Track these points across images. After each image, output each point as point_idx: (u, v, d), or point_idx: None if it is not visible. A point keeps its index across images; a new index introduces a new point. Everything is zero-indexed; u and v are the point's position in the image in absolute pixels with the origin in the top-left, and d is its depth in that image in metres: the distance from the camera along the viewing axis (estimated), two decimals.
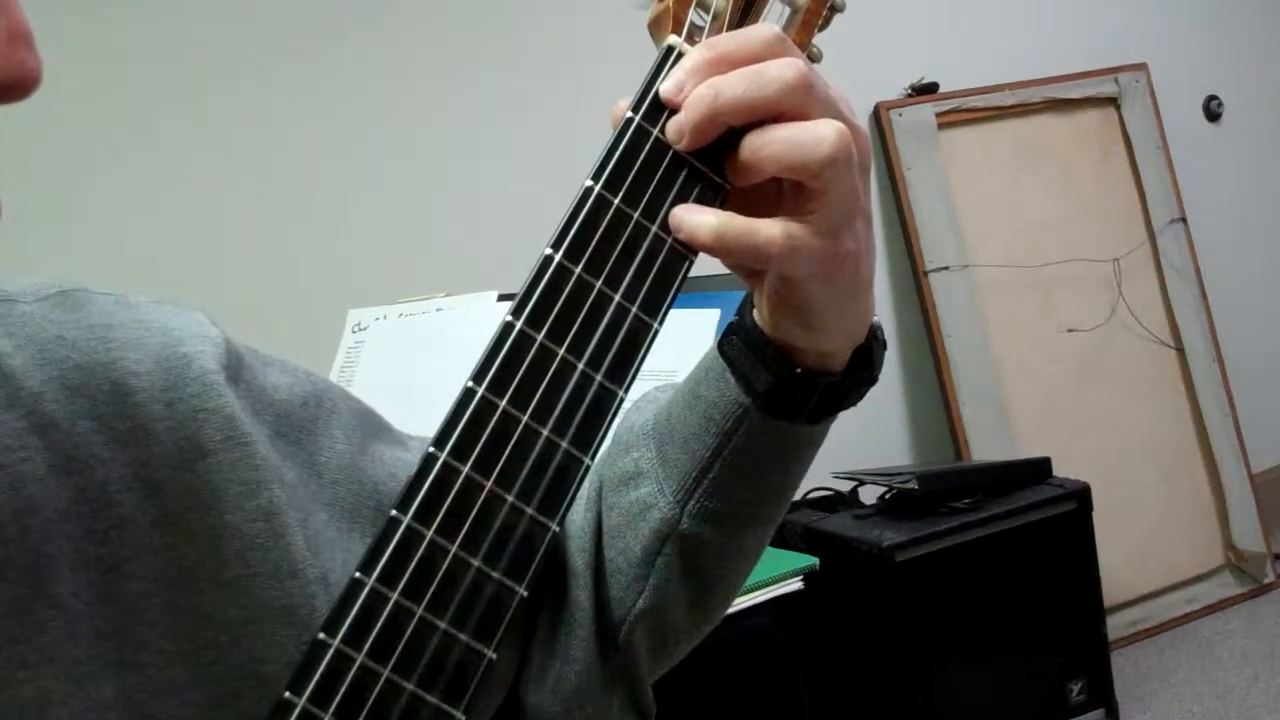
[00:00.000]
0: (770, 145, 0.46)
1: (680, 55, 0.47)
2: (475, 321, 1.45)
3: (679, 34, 0.48)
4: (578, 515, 0.62)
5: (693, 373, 0.58)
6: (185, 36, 2.19)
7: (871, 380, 0.56)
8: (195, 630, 0.50)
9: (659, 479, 0.57)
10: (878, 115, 2.80)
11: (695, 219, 0.48)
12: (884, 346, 0.57)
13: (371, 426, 0.62)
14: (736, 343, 0.55)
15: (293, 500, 0.53)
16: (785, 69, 0.46)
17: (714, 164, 0.49)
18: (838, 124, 0.46)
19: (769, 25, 0.49)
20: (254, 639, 0.51)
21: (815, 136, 0.46)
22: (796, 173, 0.46)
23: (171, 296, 0.57)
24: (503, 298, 1.45)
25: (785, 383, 0.53)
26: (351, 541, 0.56)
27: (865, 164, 0.49)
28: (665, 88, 0.48)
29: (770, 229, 0.47)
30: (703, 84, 0.47)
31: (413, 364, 1.46)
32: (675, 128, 0.48)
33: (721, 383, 0.55)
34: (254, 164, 2.23)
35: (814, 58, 0.51)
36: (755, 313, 0.54)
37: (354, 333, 1.55)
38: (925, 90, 2.82)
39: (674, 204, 0.48)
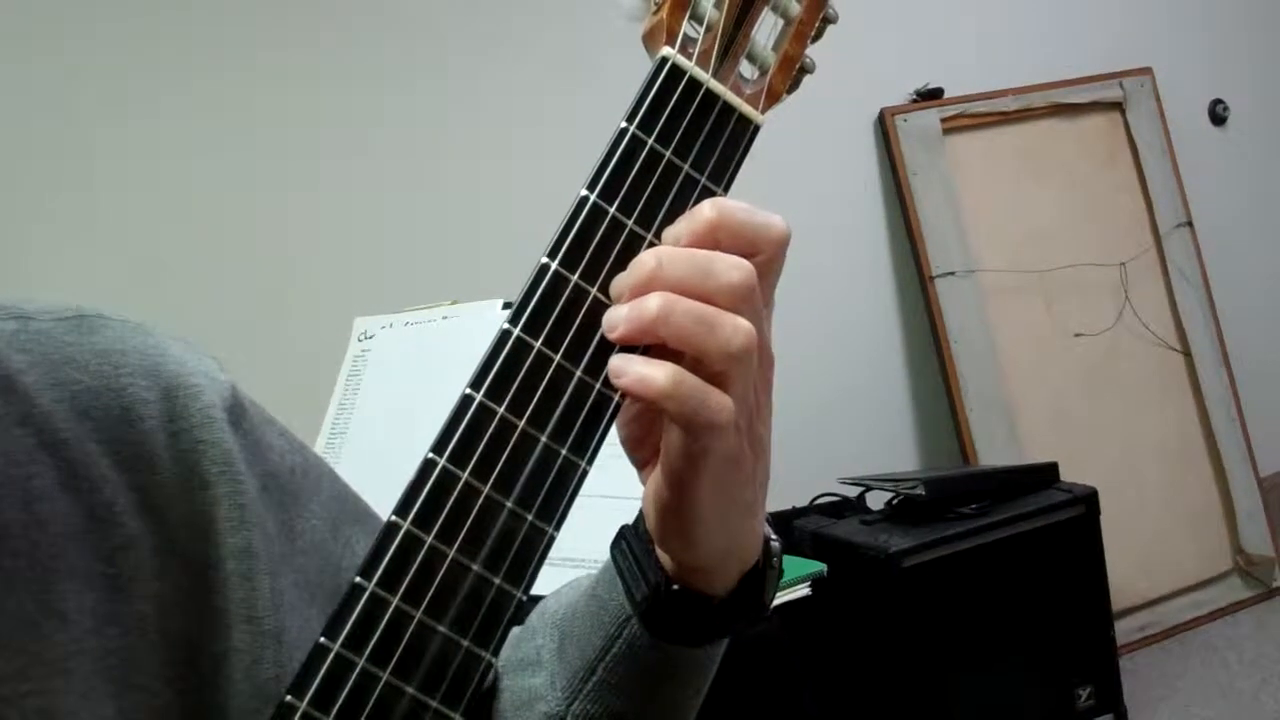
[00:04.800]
0: (682, 322, 0.44)
1: (674, 67, 0.48)
2: (481, 330, 1.45)
3: (672, 46, 0.48)
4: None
5: (601, 566, 0.57)
6: (188, 42, 2.20)
7: (759, 609, 0.53)
8: (183, 657, 0.51)
9: (553, 672, 0.56)
10: (883, 120, 2.80)
11: (640, 369, 0.45)
12: (779, 574, 0.54)
13: (350, 511, 0.61)
14: (625, 548, 0.53)
15: (267, 550, 0.54)
16: (735, 271, 0.45)
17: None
18: (749, 327, 0.45)
19: (780, 224, 0.48)
20: (225, 678, 0.52)
21: (733, 328, 0.44)
22: (699, 354, 0.45)
23: (176, 305, 0.58)
24: (508, 306, 1.45)
25: (662, 599, 0.51)
26: (310, 611, 0.56)
27: (768, 376, 0.48)
28: (668, 232, 0.47)
29: (720, 393, 0.45)
30: (652, 253, 0.46)
31: (419, 372, 1.47)
32: (617, 288, 0.46)
33: (612, 586, 0.54)
34: (259, 171, 2.24)
35: (807, 68, 0.51)
36: (645, 518, 0.52)
37: (360, 341, 1.56)
38: (930, 95, 2.82)
39: (668, 215, 0.48)
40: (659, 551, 0.52)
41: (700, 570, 0.51)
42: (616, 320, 0.45)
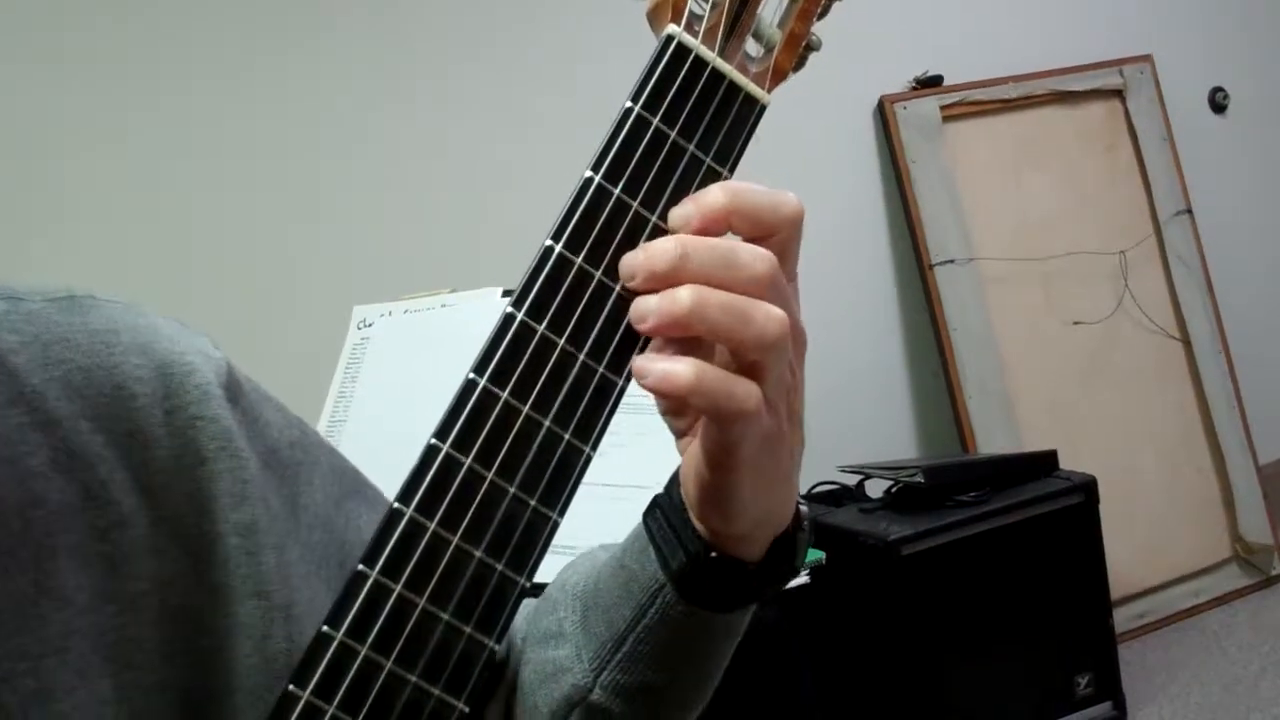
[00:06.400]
0: (716, 316, 0.44)
1: (680, 45, 0.47)
2: (480, 318, 1.45)
3: (678, 23, 0.47)
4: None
5: (626, 538, 0.56)
6: (188, 35, 2.19)
7: (791, 573, 0.53)
8: (182, 634, 0.51)
9: (578, 644, 0.56)
10: (882, 108, 2.79)
11: (663, 367, 0.44)
12: (810, 537, 0.55)
13: (349, 484, 0.61)
14: (659, 517, 0.53)
15: (272, 525, 0.54)
16: (759, 262, 0.45)
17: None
18: (782, 315, 0.45)
19: (793, 201, 0.47)
20: (229, 652, 0.52)
21: (766, 316, 0.44)
22: (735, 347, 0.45)
23: (176, 294, 0.58)
24: (507, 294, 1.45)
25: (699, 567, 0.51)
26: (318, 585, 0.56)
27: (801, 353, 0.48)
28: (674, 213, 0.46)
29: (746, 384, 0.44)
30: (675, 241, 0.45)
31: (418, 360, 1.47)
32: (628, 267, 0.46)
33: (643, 556, 0.54)
34: (258, 161, 2.24)
35: (813, 46, 0.51)
36: (682, 488, 0.52)
37: (359, 329, 1.56)
38: (929, 83, 2.81)
39: (673, 197, 0.47)
40: (695, 521, 0.51)
41: (736, 539, 0.51)
42: (646, 312, 0.45)
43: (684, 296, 0.44)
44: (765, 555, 0.52)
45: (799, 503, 0.54)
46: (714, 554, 0.51)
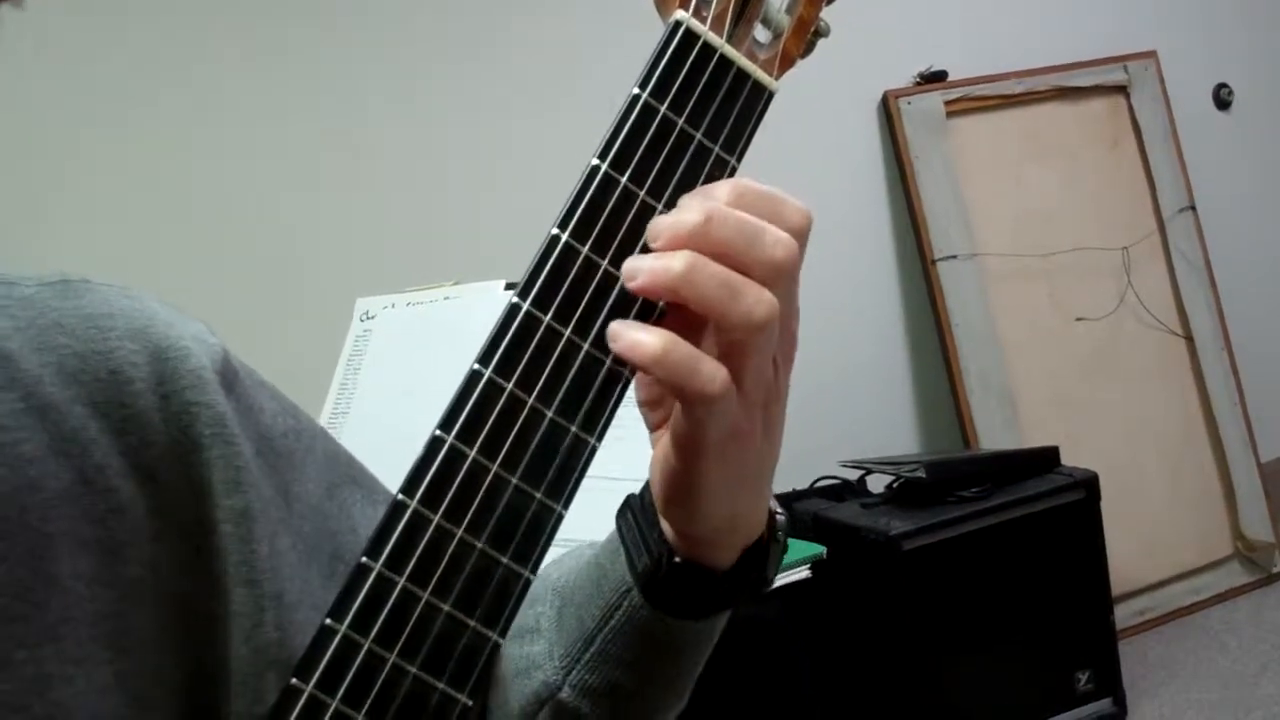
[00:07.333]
0: (706, 285, 0.43)
1: (688, 31, 0.47)
2: (483, 311, 1.44)
3: (686, 9, 0.47)
4: None
5: (606, 537, 0.56)
6: (192, 28, 2.19)
7: (761, 584, 0.52)
8: (180, 620, 0.50)
9: (551, 640, 0.55)
10: (886, 104, 2.78)
11: (635, 335, 0.43)
12: (783, 549, 0.53)
13: (344, 471, 0.61)
14: (630, 518, 0.53)
15: (265, 513, 0.53)
16: (780, 248, 0.44)
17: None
18: (772, 300, 0.44)
19: (803, 211, 0.46)
20: (224, 640, 0.51)
21: (756, 298, 0.43)
22: (719, 321, 0.44)
23: (182, 286, 0.57)
24: (510, 286, 1.44)
25: (663, 570, 0.50)
26: (309, 574, 0.55)
27: (788, 354, 0.48)
28: (682, 203, 0.46)
29: (714, 365, 0.43)
30: (703, 209, 0.43)
31: (421, 352, 1.46)
32: (654, 229, 0.44)
33: (614, 556, 0.53)
34: (261, 154, 2.23)
35: (822, 32, 0.50)
36: (650, 483, 0.51)
37: (362, 321, 1.55)
38: (934, 78, 2.81)
39: (680, 185, 0.47)
40: (663, 522, 0.51)
41: (702, 542, 0.50)
42: (637, 270, 0.44)
43: (678, 260, 0.43)
44: (735, 564, 0.51)
45: (776, 513, 0.53)
46: (677, 559, 0.50)
